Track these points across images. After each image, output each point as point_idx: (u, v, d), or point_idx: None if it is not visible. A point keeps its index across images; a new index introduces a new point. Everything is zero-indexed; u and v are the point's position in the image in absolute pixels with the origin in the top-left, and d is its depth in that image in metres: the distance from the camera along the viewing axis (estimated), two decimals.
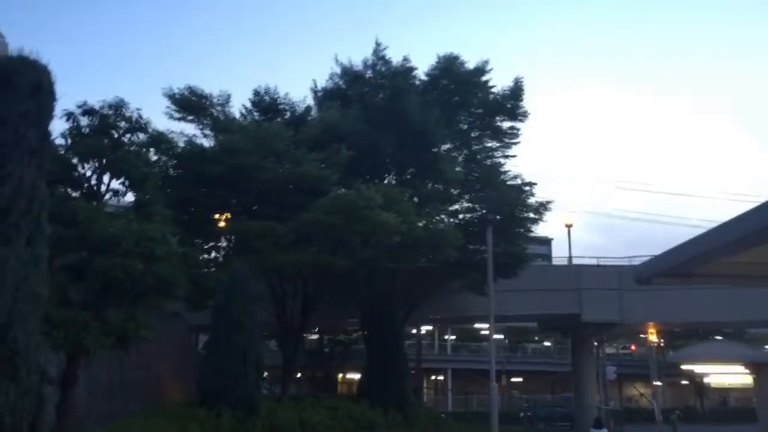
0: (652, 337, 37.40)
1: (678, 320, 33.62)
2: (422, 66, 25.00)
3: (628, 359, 52.03)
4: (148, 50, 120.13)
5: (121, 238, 11.11)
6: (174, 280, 12.34)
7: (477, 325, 40.84)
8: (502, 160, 25.48)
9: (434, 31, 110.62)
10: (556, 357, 51.12)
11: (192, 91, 21.14)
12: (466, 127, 25.26)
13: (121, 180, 12.34)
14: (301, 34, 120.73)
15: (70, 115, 11.85)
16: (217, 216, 19.85)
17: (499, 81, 24.96)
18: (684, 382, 53.15)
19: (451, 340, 52.28)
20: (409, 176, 23.98)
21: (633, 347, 53.11)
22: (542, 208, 24.87)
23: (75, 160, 12.06)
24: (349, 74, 24.16)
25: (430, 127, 21.69)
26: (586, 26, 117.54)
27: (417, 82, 23.78)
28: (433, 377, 50.81)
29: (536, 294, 29.21)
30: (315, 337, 34.80)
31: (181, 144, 19.54)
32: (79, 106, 12.15)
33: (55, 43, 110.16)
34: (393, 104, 21.80)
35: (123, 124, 12.31)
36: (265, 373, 21.66)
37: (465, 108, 24.80)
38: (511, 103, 24.68)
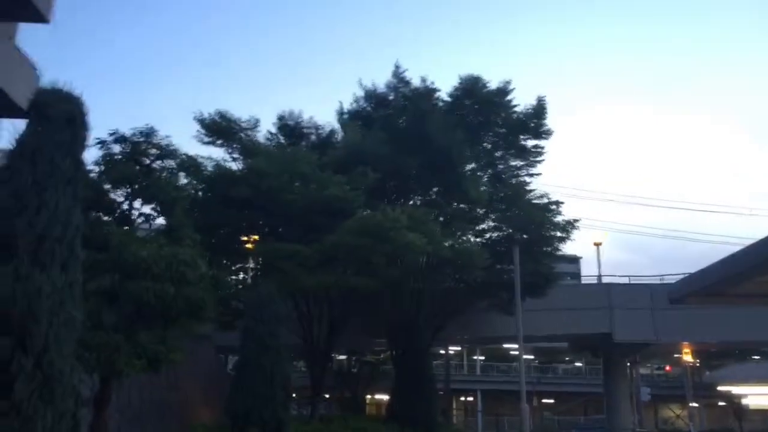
0: (687, 357, 36.62)
1: (713, 339, 32.90)
2: (443, 86, 25.31)
3: (663, 380, 50.98)
4: (176, 73, 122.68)
5: (153, 262, 11.36)
6: (204, 303, 12.56)
7: (505, 346, 40.47)
8: (527, 179, 25.44)
9: (454, 52, 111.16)
10: (588, 378, 50.32)
11: (222, 115, 21.58)
12: (490, 146, 25.30)
13: (152, 205, 12.66)
14: (324, 55, 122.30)
15: (102, 143, 12.24)
16: (244, 238, 20.12)
17: (520, 100, 25.02)
18: (721, 403, 51.84)
19: (480, 360, 51.81)
20: (434, 197, 24.04)
21: (667, 368, 52.04)
22: (569, 226, 24.70)
23: (107, 187, 12.41)
24: (372, 97, 24.46)
25: (454, 147, 21.79)
26: (605, 44, 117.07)
27: (440, 104, 23.95)
28: (462, 398, 50.33)
29: (566, 313, 28.89)
30: (343, 357, 34.77)
31: (210, 168, 19.94)
32: (111, 134, 12.54)
33: (86, 68, 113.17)
34: (416, 126, 21.97)
35: (153, 151, 12.65)
36: (294, 395, 21.72)
37: (488, 128, 24.86)
38: (535, 121, 24.68)
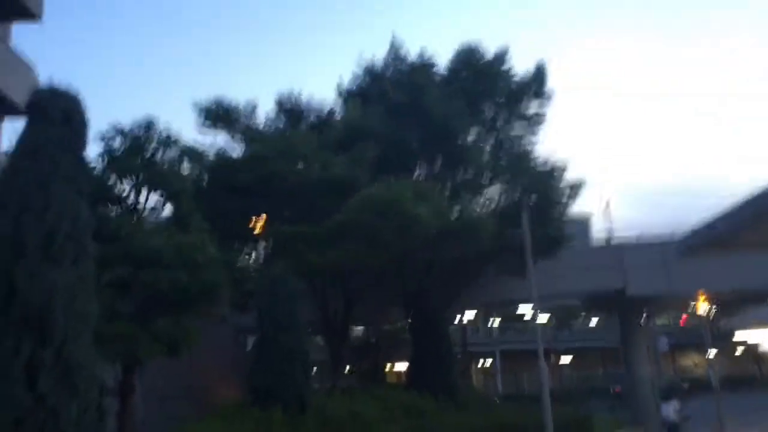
0: (702, 306, 36.73)
1: (726, 287, 32.93)
2: (441, 55, 25.21)
3: (680, 330, 51.22)
4: (170, 54, 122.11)
5: (163, 250, 11.58)
6: (217, 286, 12.81)
7: (520, 309, 40.76)
8: (531, 143, 25.36)
9: (452, 15, 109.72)
10: (604, 333, 50.72)
11: (220, 102, 21.60)
12: (491, 115, 25.18)
13: (158, 195, 12.85)
14: (319, 30, 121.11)
15: (104, 138, 12.40)
16: (251, 223, 20.28)
17: (522, 62, 24.88)
18: (739, 349, 52.11)
19: (497, 323, 52.19)
20: (438, 169, 24.06)
21: (682, 320, 52.32)
22: (576, 187, 24.68)
23: (112, 180, 12.59)
24: (370, 73, 24.36)
25: (454, 118, 21.74)
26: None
27: (437, 77, 23.84)
28: (480, 361, 50.91)
29: (578, 272, 28.99)
30: (360, 330, 35.22)
31: (211, 156, 20.04)
32: (111, 128, 12.70)
33: (77, 57, 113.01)
34: (415, 100, 21.91)
35: (154, 141, 12.81)
36: (314, 369, 22.10)
37: (488, 97, 24.72)
38: (535, 86, 24.53)
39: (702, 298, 35.56)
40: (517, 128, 25.35)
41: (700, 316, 39.75)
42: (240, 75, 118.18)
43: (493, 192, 24.94)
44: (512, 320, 50.64)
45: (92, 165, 11.90)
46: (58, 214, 8.14)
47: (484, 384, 46.44)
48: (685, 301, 38.49)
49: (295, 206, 19.75)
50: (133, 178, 12.47)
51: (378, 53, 25.48)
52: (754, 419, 31.71)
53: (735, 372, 48.58)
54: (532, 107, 25.05)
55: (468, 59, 23.78)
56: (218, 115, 21.37)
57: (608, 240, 35.48)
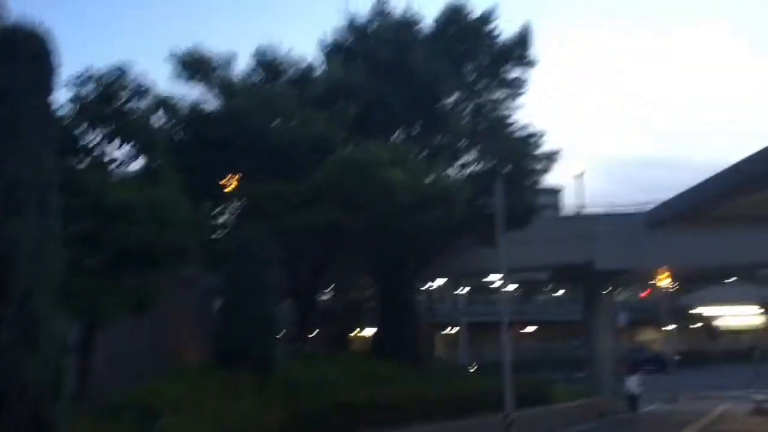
0: (663, 282, 37.52)
1: (690, 264, 33.69)
2: (427, 11, 24.62)
3: (640, 305, 52.43)
4: (146, 5, 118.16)
5: (133, 205, 11.14)
6: (187, 246, 12.43)
7: (489, 278, 41.10)
8: (510, 110, 25.18)
9: None
10: (567, 306, 51.63)
11: (196, 52, 20.79)
12: (473, 77, 24.86)
13: (129, 147, 12.32)
14: None
15: (73, 83, 11.77)
16: (225, 179, 19.78)
17: (507, 26, 24.48)
18: (696, 325, 53.56)
19: (464, 294, 52.62)
20: (417, 130, 23.74)
21: (642, 294, 53.50)
22: (551, 158, 24.67)
23: (80, 129, 12.00)
24: (354, 29, 23.73)
25: (437, 79, 21.39)
26: None
27: (422, 34, 23.38)
28: (446, 331, 51.42)
29: (548, 244, 29.23)
30: (329, 296, 35.11)
31: (186, 109, 19.37)
32: (82, 73, 12.05)
33: (52, 4, 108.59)
34: (398, 58, 21.47)
35: (126, 90, 12.21)
36: (282, 332, 21.94)
37: (472, 58, 24.39)
38: (519, 50, 24.27)
39: (665, 274, 36.35)
40: (498, 93, 25.11)
41: (661, 291, 40.72)
42: (218, 26, 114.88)
43: (469, 158, 24.80)
44: (479, 291, 51.13)
45: (61, 111, 11.30)
46: (22, 161, 7.68)
47: (447, 353, 46.97)
48: (649, 275, 39.26)
49: (272, 164, 19.27)
50: (104, 127, 11.90)
51: (363, 6, 24.75)
52: (705, 393, 32.87)
53: (691, 347, 49.99)
54: (515, 72, 24.82)
55: (455, 17, 23.38)
56: (194, 66, 20.56)
57: (578, 212, 35.84)
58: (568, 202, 46.89)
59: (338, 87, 20.56)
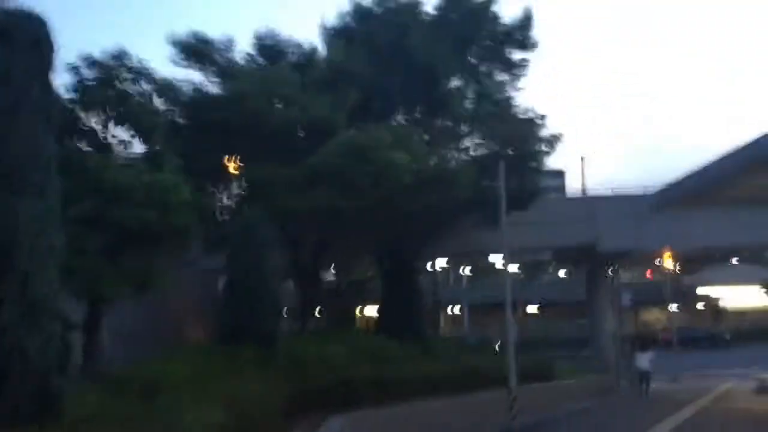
0: (667, 262, 37.64)
1: (694, 245, 33.76)
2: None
3: (644, 286, 52.59)
4: None
5: (134, 188, 11.32)
6: (188, 228, 12.63)
7: (491, 260, 41.28)
8: (512, 93, 25.15)
9: None
10: (571, 286, 51.77)
11: (196, 36, 20.86)
12: (475, 61, 24.83)
13: (130, 130, 12.47)
14: None
15: (73, 67, 11.90)
16: (226, 162, 19.92)
17: (508, 8, 24.41)
18: (700, 305, 53.65)
19: (467, 274, 52.89)
20: (419, 115, 23.77)
21: (648, 274, 53.59)
22: (554, 140, 24.66)
23: (81, 113, 12.16)
24: (357, 11, 23.69)
25: (439, 63, 21.38)
26: None
27: (425, 18, 23.32)
28: (449, 310, 51.75)
29: (551, 226, 29.33)
30: (332, 274, 35.37)
31: (188, 92, 19.47)
32: (82, 58, 12.19)
33: None
34: (400, 42, 21.45)
35: (126, 73, 12.34)
36: (284, 309, 22.19)
37: (474, 41, 24.33)
38: (521, 33, 24.20)
39: (668, 254, 36.44)
40: (500, 76, 25.07)
41: (664, 272, 40.83)
42: (218, 11, 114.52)
43: (472, 141, 24.84)
44: (482, 272, 51.32)
45: (61, 96, 11.46)
46: (23, 143, 7.85)
47: (451, 332, 47.31)
48: (652, 257, 39.37)
49: (273, 147, 19.40)
50: (104, 111, 12.05)
51: None
52: (708, 372, 33.08)
53: (695, 328, 50.04)
54: (517, 54, 24.78)
55: (457, 0, 23.29)
56: (195, 49, 20.64)
57: (582, 193, 35.86)
58: (573, 185, 46.93)
59: (340, 70, 20.58)
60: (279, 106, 19.19)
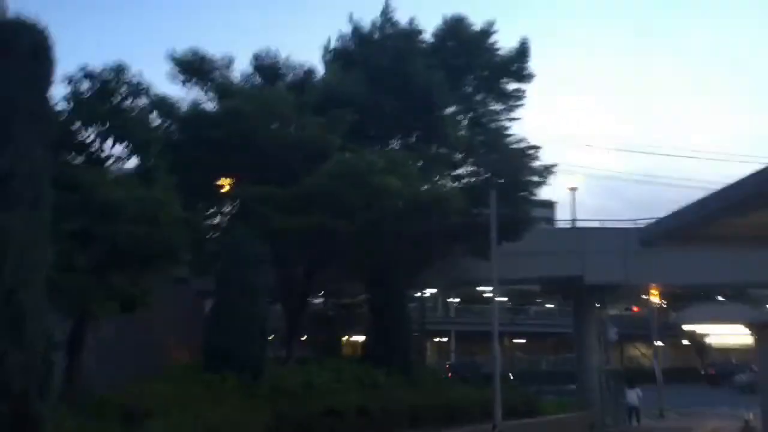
0: (654, 298, 37.66)
1: (681, 282, 33.82)
2: (430, 26, 24.79)
3: (630, 320, 52.63)
4: (147, 5, 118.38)
5: (125, 204, 11.12)
6: (178, 246, 12.41)
7: (480, 288, 41.17)
8: (506, 123, 25.28)
9: None
10: (558, 319, 51.69)
11: (195, 53, 20.85)
12: (471, 89, 24.99)
13: (124, 145, 12.30)
14: None
15: (70, 80, 11.76)
16: (220, 181, 19.79)
17: (505, 42, 24.70)
18: (685, 342, 53.66)
19: (455, 303, 52.76)
20: (413, 140, 23.81)
21: (635, 309, 53.64)
22: (546, 171, 24.73)
23: (77, 126, 11.98)
24: (358, 35, 23.86)
25: (435, 89, 21.49)
26: None
27: (423, 45, 23.52)
28: (436, 339, 51.43)
29: (539, 257, 29.22)
30: (320, 300, 35.06)
31: (184, 108, 19.39)
32: (80, 70, 12.05)
33: (53, 4, 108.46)
34: (397, 66, 21.56)
35: (124, 88, 12.20)
36: (271, 336, 21.87)
37: (471, 71, 24.53)
38: (517, 64, 24.42)
39: (654, 290, 36.46)
40: (495, 105, 25.22)
41: (650, 308, 40.82)
42: (216, 38, 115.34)
43: (465, 169, 24.87)
44: (471, 302, 51.16)
45: (57, 107, 11.28)
46: (16, 155, 7.67)
47: (438, 362, 46.94)
48: (639, 291, 39.39)
49: (266, 167, 19.29)
50: (100, 125, 11.88)
51: (370, 15, 24.73)
52: (691, 409, 32.97)
53: (680, 364, 50.07)
54: (512, 85, 24.95)
55: (455, 29, 23.53)
56: (193, 67, 20.61)
57: (570, 225, 35.90)
58: (562, 216, 47.05)
59: (336, 93, 20.60)
60: (274, 126, 19.12)
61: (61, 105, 11.81)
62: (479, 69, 24.65)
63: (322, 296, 34.32)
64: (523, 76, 24.73)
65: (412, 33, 23.09)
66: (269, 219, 17.91)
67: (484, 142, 24.32)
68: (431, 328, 45.71)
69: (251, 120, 18.27)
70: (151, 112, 13.18)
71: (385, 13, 23.32)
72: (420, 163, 22.20)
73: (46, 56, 8.24)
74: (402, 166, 19.02)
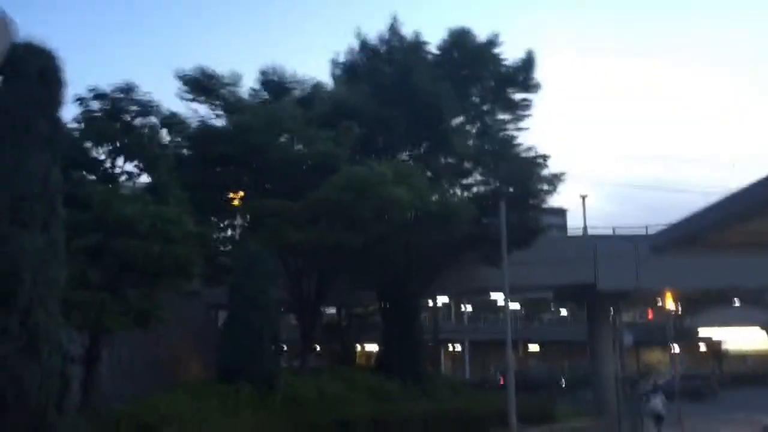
0: (669, 303, 37.38)
1: (695, 286, 33.52)
2: (435, 39, 24.94)
3: (644, 326, 52.20)
4: (155, 26, 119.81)
5: (138, 220, 11.33)
6: (190, 261, 12.60)
7: (492, 297, 41.07)
8: (515, 133, 25.34)
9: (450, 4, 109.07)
10: (572, 326, 51.38)
11: (203, 72, 21.13)
12: (478, 100, 25.09)
13: (135, 162, 12.55)
14: (318, 5, 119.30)
15: (81, 100, 12.02)
16: (230, 195, 19.99)
17: (511, 52, 24.78)
18: (702, 347, 53.13)
19: (468, 311, 52.62)
20: (422, 151, 23.93)
21: (650, 315, 53.24)
22: (556, 179, 24.75)
23: (88, 145, 12.24)
24: (365, 49, 24.08)
25: (441, 100, 21.61)
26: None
27: (429, 57, 23.67)
28: (450, 348, 51.27)
29: (552, 265, 29.17)
30: (332, 311, 35.13)
31: (194, 125, 19.64)
32: (90, 90, 12.32)
33: (61, 23, 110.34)
34: (404, 79, 21.72)
35: (134, 107, 12.45)
36: (284, 347, 21.98)
37: (477, 81, 24.63)
38: (523, 75, 24.48)
39: (669, 295, 36.19)
40: (502, 115, 25.31)
41: (665, 313, 40.48)
42: (224, 54, 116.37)
43: (474, 179, 24.95)
44: (483, 310, 51.00)
45: (68, 127, 11.54)
46: (29, 176, 7.88)
47: (452, 371, 46.80)
48: (653, 297, 39.11)
49: (276, 181, 19.50)
50: (110, 143, 12.13)
51: (377, 29, 24.91)
52: (711, 416, 32.55)
53: (696, 369, 49.49)
54: (519, 95, 25.04)
55: (460, 41, 23.64)
56: (201, 84, 20.89)
57: (582, 232, 35.80)
58: (574, 224, 46.99)
59: (344, 106, 20.78)
60: (283, 140, 19.32)
61: (72, 125, 12.07)
62: (485, 79, 24.75)
63: (335, 306, 34.41)
64: (530, 86, 24.78)
65: (417, 45, 23.28)
66: (280, 232, 18.08)
67: (493, 151, 24.39)
68: (444, 336, 45.61)
69: (259, 135, 18.48)
70: (160, 129, 13.40)
71: (392, 27, 23.54)
72: (429, 174, 22.32)
73: (55, 79, 8.48)
74: (411, 177, 19.14)
